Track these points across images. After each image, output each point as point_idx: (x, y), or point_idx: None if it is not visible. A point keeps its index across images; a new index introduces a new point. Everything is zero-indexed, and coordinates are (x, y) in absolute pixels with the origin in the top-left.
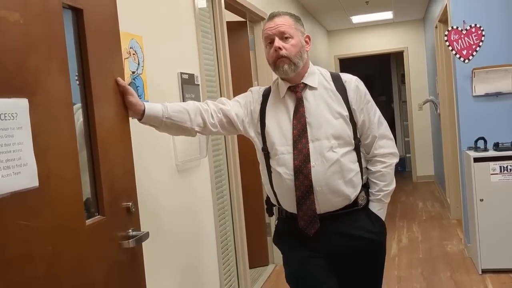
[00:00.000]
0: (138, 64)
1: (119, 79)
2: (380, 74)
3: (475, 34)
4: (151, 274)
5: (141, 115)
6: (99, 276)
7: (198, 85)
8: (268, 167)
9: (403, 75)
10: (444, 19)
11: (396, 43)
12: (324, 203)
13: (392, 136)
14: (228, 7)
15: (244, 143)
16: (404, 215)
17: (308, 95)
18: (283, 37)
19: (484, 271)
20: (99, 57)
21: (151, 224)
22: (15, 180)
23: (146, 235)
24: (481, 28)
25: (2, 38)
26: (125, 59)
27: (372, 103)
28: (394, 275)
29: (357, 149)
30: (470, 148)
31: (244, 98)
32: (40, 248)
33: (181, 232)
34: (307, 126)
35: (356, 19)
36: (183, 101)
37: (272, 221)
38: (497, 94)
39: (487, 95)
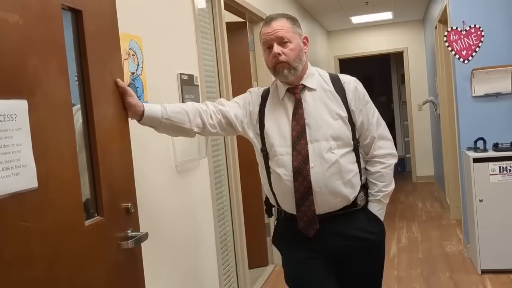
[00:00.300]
0: (138, 65)
1: (119, 80)
2: (380, 75)
3: (475, 34)
4: (150, 274)
5: (140, 116)
6: (98, 276)
7: (198, 86)
8: (267, 168)
9: (402, 76)
10: (443, 20)
11: (395, 43)
12: (323, 204)
13: (390, 137)
14: (228, 7)
15: (244, 144)
16: (404, 215)
17: (307, 96)
18: (282, 42)
19: (484, 272)
20: (98, 58)
21: (150, 224)
22: (14, 181)
23: (145, 235)
24: (481, 29)
25: (1, 39)
26: (124, 60)
27: (371, 104)
28: (393, 275)
29: (356, 150)
30: (469, 149)
31: (243, 99)
32: (40, 248)
33: (180, 233)
34: (306, 127)
35: (356, 19)
36: (183, 102)
37: (272, 221)
38: (497, 95)
39: (486, 95)
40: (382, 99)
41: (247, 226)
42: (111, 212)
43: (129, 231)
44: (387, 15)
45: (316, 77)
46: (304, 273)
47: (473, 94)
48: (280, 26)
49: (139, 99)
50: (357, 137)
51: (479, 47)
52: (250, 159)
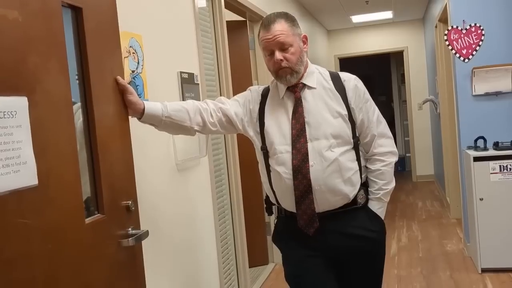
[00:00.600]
0: (138, 63)
1: (119, 78)
2: (380, 74)
3: (475, 33)
4: (150, 272)
5: (140, 114)
6: (98, 274)
7: (198, 84)
8: (267, 166)
9: (403, 75)
10: (444, 19)
11: (396, 42)
12: (323, 202)
13: (391, 135)
14: (228, 6)
15: (244, 142)
16: (404, 214)
17: (307, 94)
18: (283, 48)
19: (484, 270)
20: (98, 56)
21: (151, 222)
22: (14, 179)
23: (146, 233)
24: (481, 28)
25: (1, 36)
26: (124, 58)
27: (371, 102)
28: (393, 274)
29: (356, 147)
30: (470, 148)
31: (243, 97)
32: (40, 246)
33: (180, 231)
34: (306, 126)
35: (356, 18)
36: (183, 100)
37: (272, 220)
38: (497, 94)
39: (487, 94)
40: (382, 99)
41: (247, 225)
42: (111, 210)
43: (130, 229)
44: (387, 14)
45: (316, 75)
46: (304, 271)
47: (474, 93)
48: (280, 31)
49: (140, 97)
50: (357, 135)
51: (479, 46)
52: (250, 157)
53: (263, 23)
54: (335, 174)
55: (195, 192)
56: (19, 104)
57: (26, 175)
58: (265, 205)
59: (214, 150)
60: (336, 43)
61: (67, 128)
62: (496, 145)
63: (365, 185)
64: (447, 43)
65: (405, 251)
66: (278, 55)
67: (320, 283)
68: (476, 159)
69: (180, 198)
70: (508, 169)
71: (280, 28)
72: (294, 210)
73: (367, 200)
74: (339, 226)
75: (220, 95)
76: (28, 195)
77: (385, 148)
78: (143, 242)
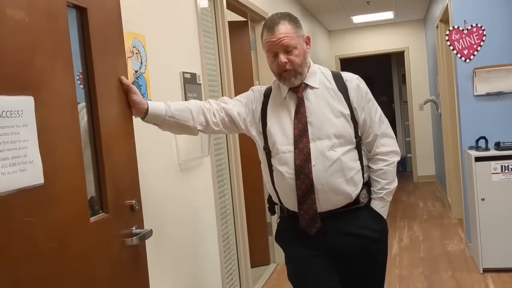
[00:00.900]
0: (141, 63)
1: (123, 77)
2: (381, 74)
3: (476, 33)
4: (154, 271)
5: (144, 114)
6: (103, 272)
7: (200, 84)
8: (270, 166)
9: (404, 75)
10: (445, 19)
11: (397, 43)
12: (325, 201)
13: (393, 135)
14: (230, 7)
15: (246, 142)
16: (405, 214)
17: (309, 94)
18: (287, 50)
19: (485, 270)
20: (102, 56)
21: (154, 222)
22: (21, 177)
23: (150, 232)
24: (482, 28)
25: (7, 36)
26: (128, 58)
27: (373, 102)
28: (395, 274)
29: (358, 147)
30: (471, 148)
31: (246, 97)
32: (45, 244)
33: (183, 231)
34: (308, 126)
35: (357, 19)
36: (185, 100)
37: (274, 220)
38: (498, 94)
39: (488, 94)
40: (383, 99)
41: (249, 225)
42: (115, 209)
43: (134, 228)
44: (388, 15)
45: (319, 75)
46: (306, 270)
47: (475, 93)
48: (284, 33)
49: (143, 97)
50: (359, 134)
51: (480, 46)
52: (252, 157)
53: (266, 24)
54: (337, 174)
55: (197, 192)
56: (26, 103)
57: (32, 174)
58: (267, 205)
59: (216, 150)
60: (337, 43)
61: (72, 127)
62: (498, 145)
63: (367, 185)
64: (448, 43)
65: (406, 251)
66: (283, 57)
67: (323, 282)
68: (478, 159)
69: (182, 198)
70: (510, 169)
71: (284, 30)
72: (296, 210)
73: (369, 199)
74: (341, 225)
75: (222, 95)
76: (34, 193)
77: (388, 147)
78: (146, 241)
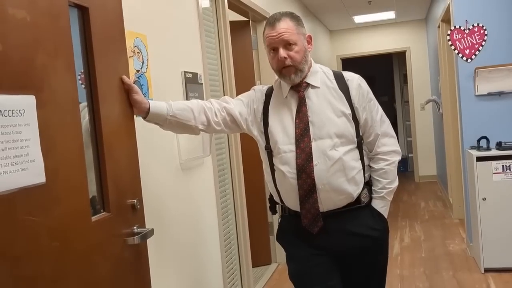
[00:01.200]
0: (143, 62)
1: (124, 77)
2: (382, 74)
3: (478, 33)
4: (155, 270)
5: (146, 113)
6: (104, 272)
7: (202, 84)
8: (271, 166)
9: (405, 75)
10: (446, 19)
11: (398, 43)
12: (327, 201)
13: (394, 134)
14: (231, 6)
15: (247, 141)
16: (407, 214)
17: (310, 94)
18: (287, 45)
19: (487, 270)
20: (104, 55)
21: (156, 221)
22: (22, 176)
23: (151, 232)
24: (484, 28)
25: (9, 35)
26: (129, 57)
27: (375, 101)
28: (396, 274)
29: (359, 147)
30: (472, 147)
31: (247, 97)
32: (47, 243)
33: (184, 230)
34: (310, 125)
35: (359, 19)
36: (187, 99)
37: (275, 219)
38: (500, 94)
39: (489, 94)
40: (385, 99)
41: (251, 225)
42: (117, 208)
43: (135, 227)
44: (390, 15)
45: (320, 75)
46: (308, 270)
47: (476, 93)
48: (285, 29)
49: (144, 97)
50: (360, 134)
51: (482, 46)
52: (253, 157)
53: (268, 21)
54: (339, 173)
55: (198, 192)
56: (27, 102)
57: (34, 172)
58: (269, 204)
59: (218, 149)
60: (339, 43)
61: (74, 126)
62: (499, 145)
63: (368, 184)
64: (449, 43)
65: (407, 251)
66: (282, 52)
67: (324, 282)
68: (479, 159)
69: (184, 197)
70: (511, 169)
71: (285, 26)
72: (298, 209)
73: (370, 199)
74: (342, 225)
75: (224, 95)
76: (36, 192)
77: (389, 147)
78: (147, 240)
